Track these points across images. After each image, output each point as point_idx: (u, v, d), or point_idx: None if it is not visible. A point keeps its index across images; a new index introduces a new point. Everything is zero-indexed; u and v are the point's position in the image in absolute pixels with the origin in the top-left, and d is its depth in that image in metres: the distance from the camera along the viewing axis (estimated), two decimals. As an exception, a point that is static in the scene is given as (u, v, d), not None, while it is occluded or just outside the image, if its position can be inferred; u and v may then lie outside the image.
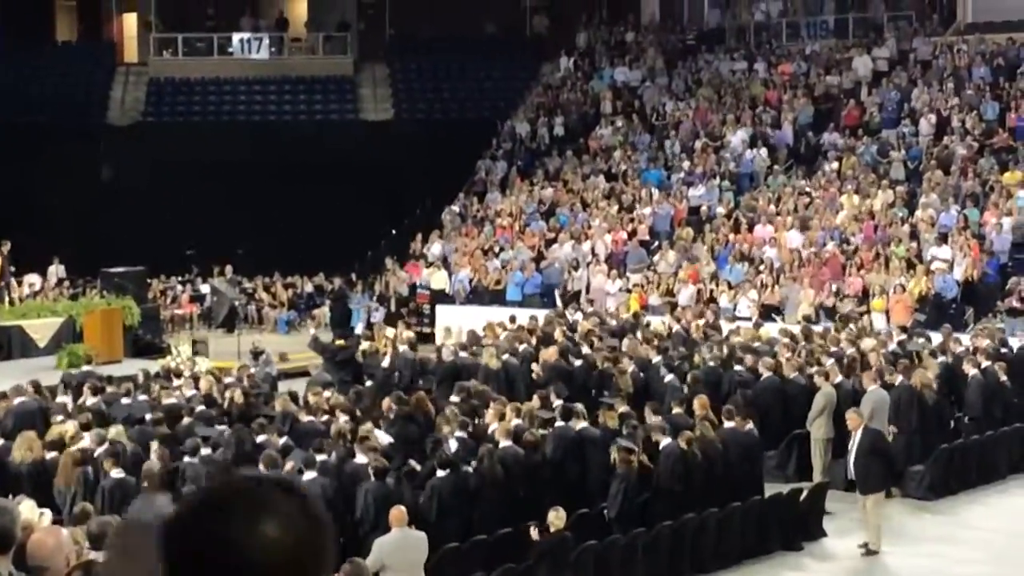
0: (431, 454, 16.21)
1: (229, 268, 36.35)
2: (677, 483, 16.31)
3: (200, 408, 19.16)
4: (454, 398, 19.44)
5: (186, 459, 15.71)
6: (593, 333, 24.82)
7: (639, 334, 24.71)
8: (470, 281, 32.87)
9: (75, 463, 15.32)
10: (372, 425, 17.19)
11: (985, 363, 21.55)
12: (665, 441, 16.56)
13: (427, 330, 31.94)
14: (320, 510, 2.18)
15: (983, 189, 30.80)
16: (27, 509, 10.54)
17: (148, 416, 18.24)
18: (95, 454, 15.71)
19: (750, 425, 17.92)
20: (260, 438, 16.78)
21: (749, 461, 17.78)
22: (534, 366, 22.50)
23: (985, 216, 29.56)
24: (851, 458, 16.92)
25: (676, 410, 18.40)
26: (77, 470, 15.24)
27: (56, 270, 36.15)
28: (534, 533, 14.32)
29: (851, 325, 25.04)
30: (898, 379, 19.97)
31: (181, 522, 2.12)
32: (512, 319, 26.83)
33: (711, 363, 21.86)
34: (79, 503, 13.13)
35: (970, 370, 21.25)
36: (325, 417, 18.22)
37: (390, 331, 26.69)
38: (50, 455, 15.94)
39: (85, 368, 22.82)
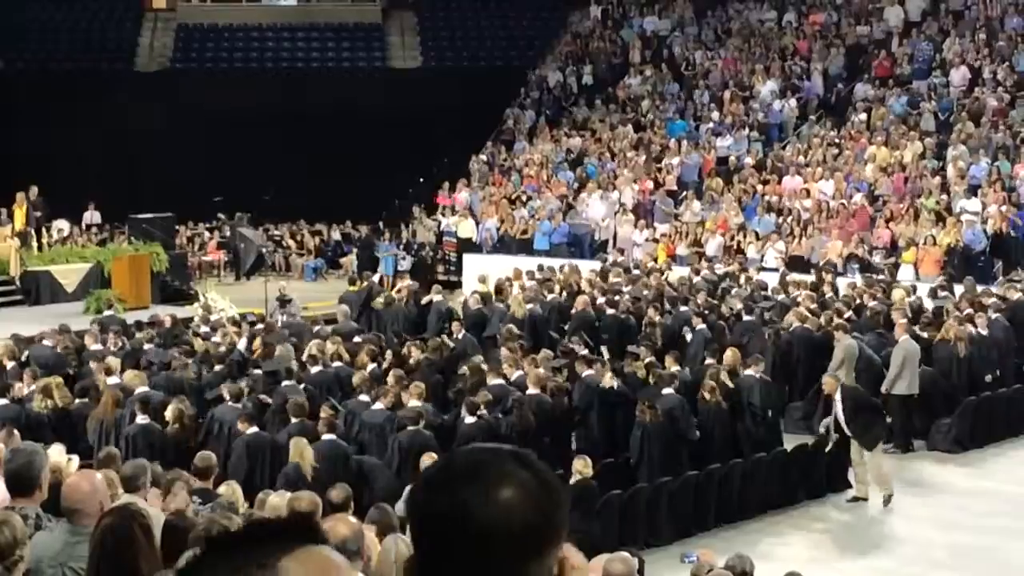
0: (456, 402, 16.28)
1: (239, 215, 36.18)
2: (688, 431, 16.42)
3: (226, 355, 19.25)
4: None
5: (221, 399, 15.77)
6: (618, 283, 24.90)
7: (652, 280, 24.81)
8: (497, 230, 32.86)
9: (115, 403, 15.38)
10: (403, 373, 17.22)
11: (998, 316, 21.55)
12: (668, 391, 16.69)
13: (454, 278, 32.01)
14: (554, 478, 2.30)
15: (1014, 141, 30.54)
16: (56, 454, 10.60)
17: (175, 362, 18.29)
18: (134, 393, 15.80)
19: (754, 369, 17.91)
20: (286, 383, 16.87)
21: (773, 410, 17.87)
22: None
23: (1016, 168, 29.33)
24: (841, 419, 16.78)
25: (710, 360, 18.49)
26: (117, 411, 15.32)
27: (91, 216, 36.28)
28: None
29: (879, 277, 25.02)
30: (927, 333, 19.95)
31: (423, 490, 2.26)
32: (540, 268, 26.95)
33: (740, 313, 21.93)
34: (105, 448, 13.16)
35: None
36: (336, 364, 18.28)
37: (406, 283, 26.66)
38: (76, 402, 16.01)
39: (108, 313, 22.88)
